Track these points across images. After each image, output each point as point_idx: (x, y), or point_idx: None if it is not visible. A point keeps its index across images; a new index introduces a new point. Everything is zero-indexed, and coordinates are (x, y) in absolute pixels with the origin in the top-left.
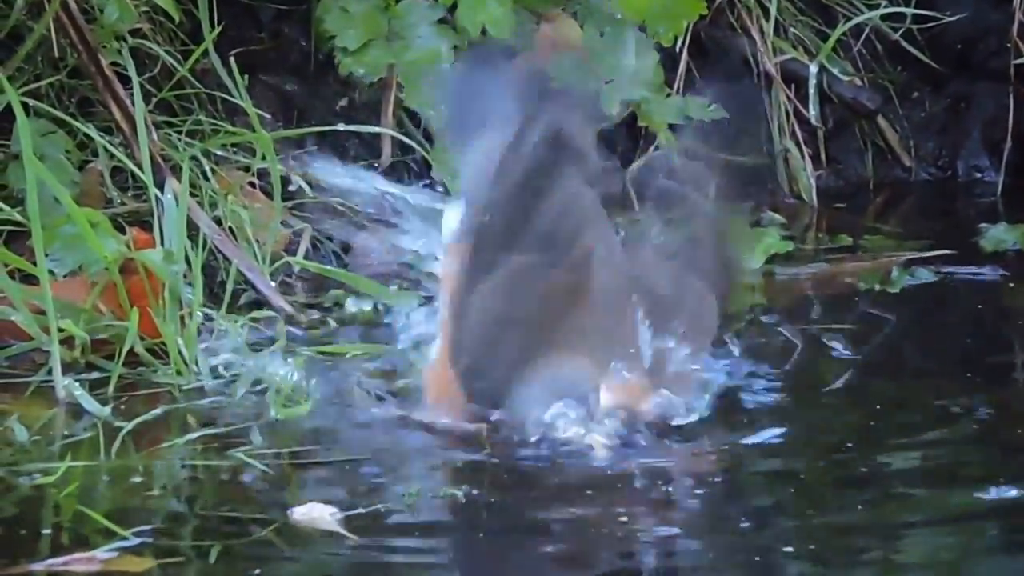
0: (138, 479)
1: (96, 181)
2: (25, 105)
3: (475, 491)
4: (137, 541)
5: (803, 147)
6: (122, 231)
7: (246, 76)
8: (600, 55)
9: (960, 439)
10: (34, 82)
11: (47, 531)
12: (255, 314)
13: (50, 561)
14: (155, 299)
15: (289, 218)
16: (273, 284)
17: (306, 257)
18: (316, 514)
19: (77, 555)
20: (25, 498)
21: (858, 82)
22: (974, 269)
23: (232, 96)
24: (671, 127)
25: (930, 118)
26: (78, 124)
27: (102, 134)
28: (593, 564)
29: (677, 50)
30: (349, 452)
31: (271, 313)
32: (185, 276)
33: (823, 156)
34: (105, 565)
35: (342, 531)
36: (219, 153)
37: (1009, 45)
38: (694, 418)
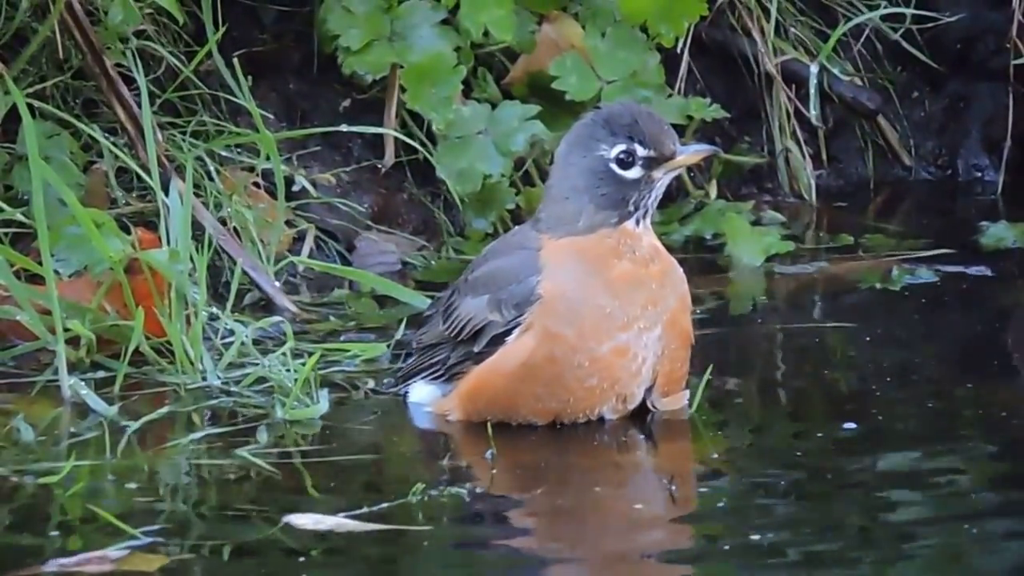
0: (144, 478)
1: (101, 182)
2: (30, 107)
3: (479, 489)
4: (147, 540)
5: (804, 146)
6: (127, 231)
7: (249, 77)
8: (601, 56)
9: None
10: (39, 84)
11: (54, 531)
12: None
13: (62, 561)
14: (160, 299)
15: (293, 218)
16: (278, 284)
17: (310, 257)
18: (314, 519)
19: (89, 554)
20: (31, 497)
21: (858, 82)
22: (966, 268)
23: (236, 97)
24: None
25: (930, 117)
26: (83, 125)
27: (107, 135)
28: (595, 558)
29: (678, 51)
30: (355, 451)
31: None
32: (190, 276)
33: (824, 155)
34: (117, 564)
35: (347, 524)
36: (223, 154)
37: (1008, 45)
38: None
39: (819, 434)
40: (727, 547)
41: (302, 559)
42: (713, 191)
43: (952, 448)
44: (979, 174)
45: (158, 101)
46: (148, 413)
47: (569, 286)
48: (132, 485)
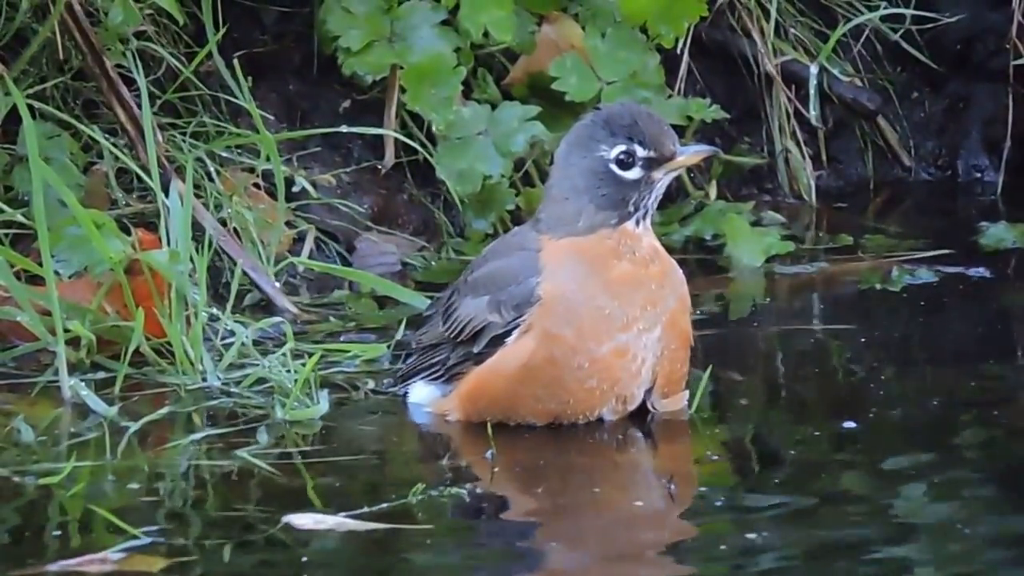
0: (145, 479)
1: (101, 183)
2: (30, 108)
3: (479, 489)
4: (147, 541)
5: (803, 147)
6: (127, 232)
7: (250, 78)
8: (601, 56)
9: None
10: (39, 85)
11: (55, 532)
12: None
13: (64, 562)
14: (160, 299)
15: (293, 219)
16: (278, 284)
17: (310, 257)
18: (315, 519)
19: (90, 556)
20: (32, 498)
21: (858, 83)
22: (966, 269)
23: (236, 98)
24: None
25: (929, 118)
26: (83, 126)
27: (107, 136)
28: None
29: (678, 51)
30: (355, 451)
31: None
32: (190, 276)
33: (823, 156)
34: (117, 565)
35: (348, 524)
36: (223, 154)
37: (1008, 45)
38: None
39: (818, 434)
40: (724, 547)
41: (303, 559)
42: (713, 192)
43: (952, 450)
44: (979, 175)
45: (158, 102)
46: (148, 414)
47: (569, 287)
48: (132, 486)
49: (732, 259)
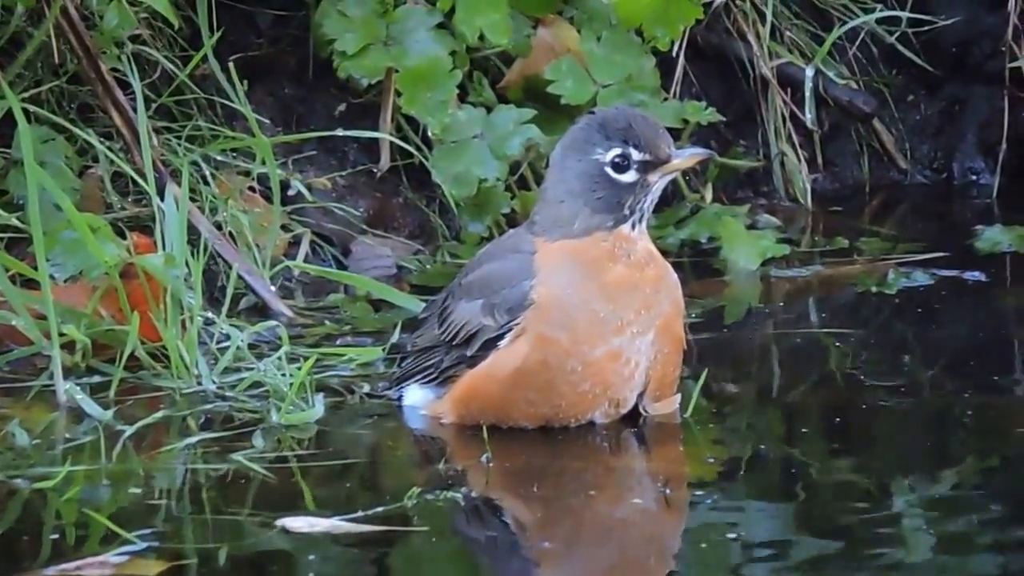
0: (140, 482)
1: (96, 186)
2: (26, 111)
3: (474, 492)
4: (143, 545)
5: (799, 150)
6: (122, 236)
7: (245, 81)
8: (597, 59)
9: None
10: (34, 88)
11: (50, 536)
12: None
13: (63, 565)
14: (156, 303)
15: (289, 222)
16: (273, 288)
17: (306, 261)
18: (310, 522)
19: (88, 559)
20: (27, 502)
21: (854, 85)
22: (962, 272)
23: (231, 101)
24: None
25: (925, 121)
26: (78, 130)
27: (102, 140)
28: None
29: (674, 54)
30: (350, 455)
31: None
32: (186, 280)
33: (819, 159)
34: (116, 569)
35: (343, 527)
36: (219, 158)
37: (1003, 48)
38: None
39: (813, 437)
40: (719, 549)
41: (298, 563)
42: (709, 195)
43: (948, 453)
44: (974, 177)
45: (154, 106)
46: (144, 417)
47: (563, 291)
48: (128, 490)
49: (728, 262)
